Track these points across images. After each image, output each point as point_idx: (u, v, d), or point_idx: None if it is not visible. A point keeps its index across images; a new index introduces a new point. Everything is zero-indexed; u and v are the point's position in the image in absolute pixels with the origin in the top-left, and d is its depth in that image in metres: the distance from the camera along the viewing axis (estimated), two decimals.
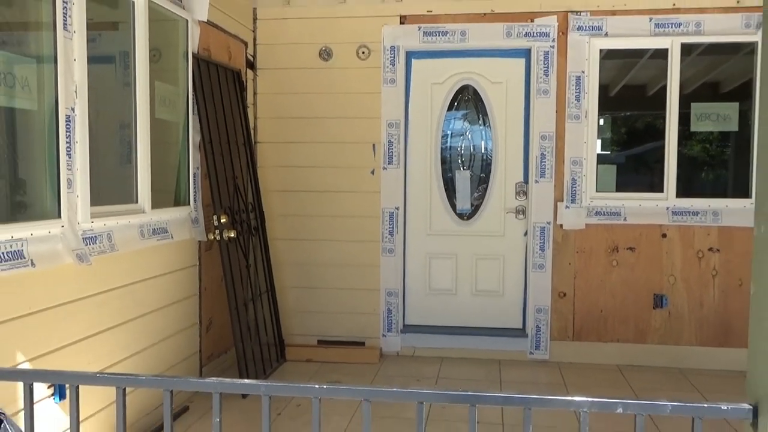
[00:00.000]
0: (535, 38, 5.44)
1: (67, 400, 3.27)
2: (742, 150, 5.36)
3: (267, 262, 5.51)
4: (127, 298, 3.85)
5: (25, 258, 2.93)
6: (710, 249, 5.38)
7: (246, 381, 1.73)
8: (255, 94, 5.77)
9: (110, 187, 3.79)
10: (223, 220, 4.64)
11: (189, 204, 4.57)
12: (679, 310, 5.43)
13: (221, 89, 4.98)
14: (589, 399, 1.58)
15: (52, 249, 3.12)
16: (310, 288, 5.81)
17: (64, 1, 3.17)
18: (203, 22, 4.64)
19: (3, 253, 2.81)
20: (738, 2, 5.23)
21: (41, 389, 3.08)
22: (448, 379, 5.16)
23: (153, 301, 4.15)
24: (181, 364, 4.52)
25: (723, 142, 5.48)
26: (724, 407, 1.53)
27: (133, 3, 3.86)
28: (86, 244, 3.37)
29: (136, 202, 3.97)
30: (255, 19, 5.74)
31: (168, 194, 4.37)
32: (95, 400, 3.48)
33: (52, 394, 3.19)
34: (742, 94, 5.35)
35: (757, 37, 5.21)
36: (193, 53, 4.53)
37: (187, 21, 4.44)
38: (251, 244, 5.21)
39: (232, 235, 4.70)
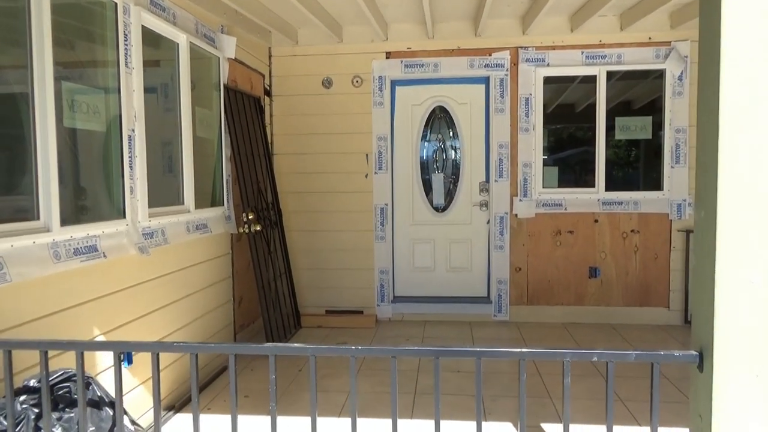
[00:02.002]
0: (493, 68, 5.44)
1: (134, 365, 3.22)
2: (654, 153, 5.41)
3: (285, 250, 5.46)
4: (177, 281, 3.79)
5: (98, 251, 2.87)
6: (632, 231, 5.43)
7: (296, 345, 1.70)
8: (271, 116, 5.70)
9: (162, 192, 3.72)
10: (250, 217, 4.58)
11: (223, 204, 4.50)
12: (609, 278, 5.48)
13: (246, 112, 4.92)
14: (571, 350, 1.58)
15: (119, 243, 3.06)
16: (319, 269, 5.77)
17: (125, 44, 3.10)
18: (231, 59, 4.57)
19: (82, 247, 2.75)
20: (650, 38, 5.27)
21: (111, 357, 3.02)
22: (431, 337, 5.16)
23: (197, 282, 4.09)
24: (221, 332, 4.47)
25: (639, 148, 5.53)
26: (676, 354, 1.54)
27: (178, 44, 3.78)
28: (146, 239, 3.31)
29: (183, 203, 3.90)
30: (270, 56, 5.66)
31: (206, 196, 4.30)
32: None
33: (122, 360, 3.12)
34: (653, 109, 5.40)
35: (664, 65, 5.27)
36: (224, 84, 4.46)
37: (219, 58, 4.37)
38: (272, 236, 5.15)
39: (258, 228, 4.64)
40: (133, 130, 3.19)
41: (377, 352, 1.70)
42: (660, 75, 5.34)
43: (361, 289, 5.74)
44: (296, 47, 5.61)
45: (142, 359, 3.30)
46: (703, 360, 1.51)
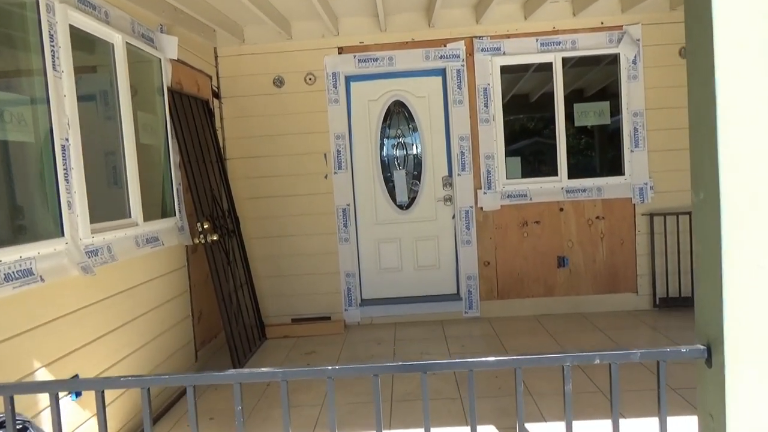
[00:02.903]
0: (449, 59, 5.31)
1: (83, 396, 2.94)
2: (614, 138, 5.39)
3: (244, 258, 5.20)
4: (129, 300, 3.50)
5: (34, 274, 2.58)
6: (597, 217, 5.40)
7: (264, 370, 1.50)
8: (221, 119, 5.42)
9: (106, 205, 3.43)
10: (206, 226, 4.31)
11: (175, 215, 4.22)
12: (577, 267, 5.44)
13: (194, 116, 4.63)
14: (572, 354, 1.42)
15: (59, 264, 2.77)
16: (282, 276, 5.53)
17: (52, 45, 2.81)
18: (174, 60, 4.29)
19: (13, 271, 2.45)
20: (602, 23, 5.24)
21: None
22: (403, 339, 4.99)
23: (151, 300, 3.80)
24: (180, 351, 4.19)
25: (599, 133, 5.51)
26: (683, 350, 1.41)
27: (113, 45, 3.49)
28: (89, 257, 3.02)
29: (130, 216, 3.61)
30: (216, 57, 5.38)
31: (156, 207, 4.01)
32: (107, 395, 3.14)
33: (69, 393, 2.84)
34: (610, 94, 5.38)
35: (618, 50, 5.25)
36: (167, 87, 4.17)
37: (160, 60, 4.08)
38: (230, 245, 4.89)
39: (215, 238, 4.38)
40: (67, 140, 2.90)
41: (356, 372, 1.51)
42: (614, 60, 5.32)
43: (327, 294, 5.53)
44: (243, 46, 5.35)
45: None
46: (712, 354, 1.38)
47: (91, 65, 3.44)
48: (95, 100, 3.60)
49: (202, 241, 4.30)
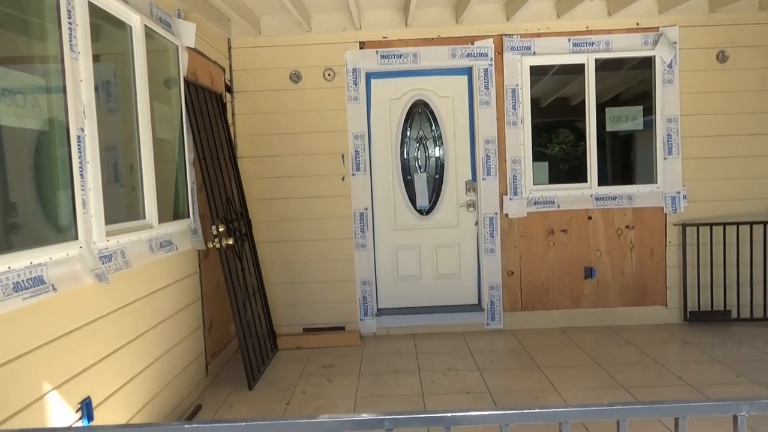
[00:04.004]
0: (476, 58, 5.04)
1: (97, 417, 2.60)
2: (646, 144, 5.15)
3: (256, 264, 4.86)
4: (142, 310, 3.16)
5: (46, 283, 2.24)
6: (627, 227, 5.15)
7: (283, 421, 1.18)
8: (233, 114, 5.09)
9: (118, 205, 3.09)
10: (221, 229, 3.97)
11: (189, 216, 3.88)
12: (605, 278, 5.19)
13: (208, 110, 4.30)
14: (746, 401, 1.13)
15: (72, 271, 2.43)
16: (294, 283, 5.20)
17: (69, 23, 2.47)
18: (190, 48, 3.96)
19: (23, 280, 2.11)
20: (638, 24, 5.01)
21: (69, 412, 2.40)
22: (426, 353, 4.68)
23: (164, 310, 3.46)
24: (192, 365, 3.85)
25: (631, 139, 5.27)
26: None
27: (131, 28, 3.16)
28: (103, 263, 2.68)
29: (144, 217, 3.27)
30: (230, 48, 5.05)
31: (168, 208, 3.67)
32: (124, 410, 2.81)
33: (81, 418, 2.50)
34: (644, 99, 5.14)
35: (654, 52, 5.02)
36: (184, 77, 3.84)
37: (177, 47, 3.75)
38: (243, 249, 4.55)
39: (230, 242, 4.04)
40: (83, 130, 2.56)
41: (369, 425, 1.19)
42: (649, 62, 5.09)
43: (341, 303, 5.21)
44: (259, 38, 5.03)
45: (110, 405, 2.67)
46: None
47: (106, 47, 3.11)
48: (109, 86, 3.26)
49: (217, 245, 3.96)
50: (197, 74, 4.18)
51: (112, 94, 3.12)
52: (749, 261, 5.03)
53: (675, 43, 4.97)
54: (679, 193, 5.07)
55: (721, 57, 5.00)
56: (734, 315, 5.09)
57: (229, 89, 5.01)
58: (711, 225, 5.03)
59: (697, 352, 4.42)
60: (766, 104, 5.00)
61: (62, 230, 2.45)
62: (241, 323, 4.08)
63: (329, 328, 5.20)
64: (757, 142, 5.02)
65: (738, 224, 5.00)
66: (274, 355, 4.82)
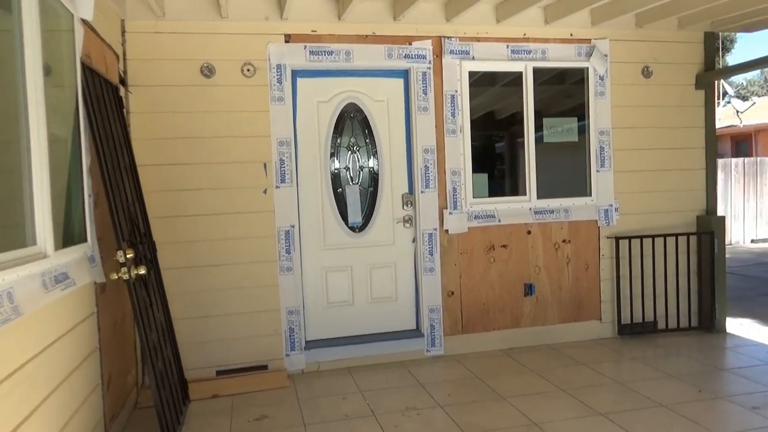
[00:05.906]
0: (414, 60, 4.61)
1: None
2: (582, 157, 5.08)
3: (163, 296, 3.94)
4: (34, 376, 2.23)
5: None
6: (564, 240, 5.01)
7: None
8: (128, 113, 4.14)
9: None
10: (129, 256, 3.08)
11: (86, 239, 2.94)
12: (544, 295, 4.99)
13: (106, 104, 3.38)
14: None
15: None
16: (204, 317, 4.33)
17: None
18: (85, 23, 3.05)
19: None
20: (571, 35, 4.93)
21: None
22: (371, 390, 4.08)
23: (61, 368, 2.53)
24: None
25: (567, 151, 5.15)
26: None
27: None
28: None
29: (35, 242, 2.34)
30: (124, 32, 4.11)
31: (58, 228, 2.72)
32: None
33: None
34: (579, 111, 5.07)
35: (587, 63, 4.97)
36: (80, 58, 2.92)
37: (72, 17, 2.84)
38: (150, 279, 3.64)
39: (142, 272, 3.16)
40: None
41: None
42: (583, 74, 5.02)
43: (263, 337, 4.44)
44: (162, 21, 4.16)
45: None
46: None
47: None
48: None
49: (125, 275, 3.06)
50: (92, 57, 3.24)
51: None
52: (675, 272, 5.14)
53: (606, 55, 4.96)
54: (611, 205, 5.04)
55: (646, 72, 5.08)
56: (660, 326, 5.16)
57: (122, 81, 4.06)
58: (641, 237, 5.07)
59: (646, 368, 4.34)
60: (687, 119, 5.17)
61: None
62: (155, 374, 3.20)
63: (249, 368, 4.41)
64: (682, 155, 5.17)
65: (665, 236, 5.09)
66: (186, 408, 3.92)
